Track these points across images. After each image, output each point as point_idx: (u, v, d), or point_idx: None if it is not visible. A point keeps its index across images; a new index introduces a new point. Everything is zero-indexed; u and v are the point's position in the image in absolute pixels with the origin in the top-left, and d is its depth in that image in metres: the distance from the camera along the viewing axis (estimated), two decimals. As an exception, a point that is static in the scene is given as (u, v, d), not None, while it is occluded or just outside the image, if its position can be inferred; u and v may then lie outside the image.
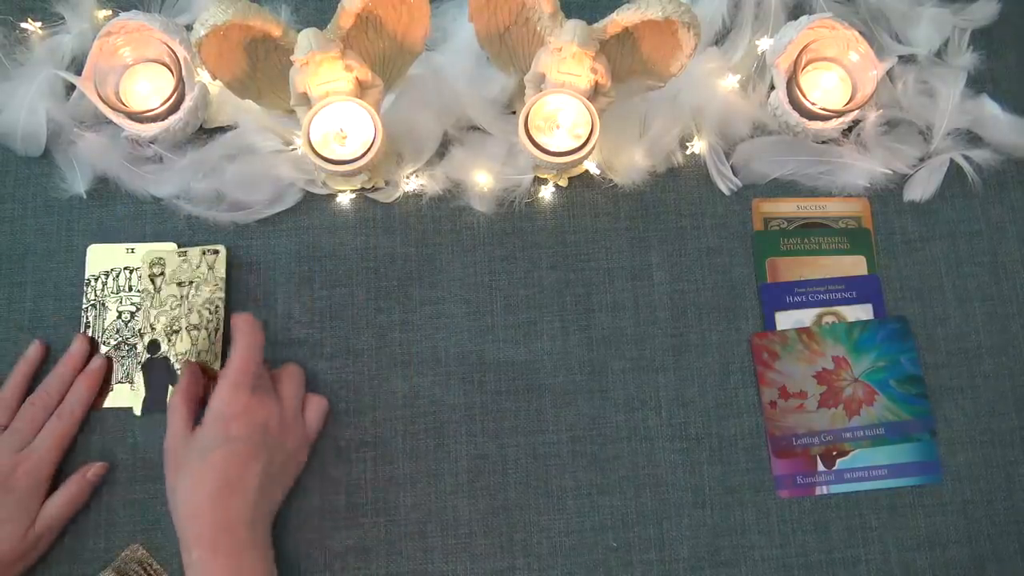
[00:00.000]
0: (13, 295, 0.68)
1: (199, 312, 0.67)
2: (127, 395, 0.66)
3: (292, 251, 0.69)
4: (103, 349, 0.67)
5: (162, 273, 0.67)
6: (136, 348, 0.67)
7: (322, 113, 0.63)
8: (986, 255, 0.71)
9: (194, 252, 0.68)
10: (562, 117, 0.64)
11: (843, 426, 0.67)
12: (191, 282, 0.67)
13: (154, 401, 0.66)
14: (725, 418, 0.68)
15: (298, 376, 0.64)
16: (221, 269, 0.68)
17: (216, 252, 0.68)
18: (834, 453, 0.67)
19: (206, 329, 0.66)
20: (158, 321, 0.67)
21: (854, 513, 0.66)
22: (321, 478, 0.65)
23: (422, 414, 0.67)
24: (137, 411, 0.66)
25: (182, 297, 0.67)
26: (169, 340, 0.66)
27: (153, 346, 0.67)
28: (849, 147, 0.71)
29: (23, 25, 0.70)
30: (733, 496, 0.66)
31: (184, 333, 0.67)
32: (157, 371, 0.66)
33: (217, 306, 0.67)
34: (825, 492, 0.66)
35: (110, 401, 0.66)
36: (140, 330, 0.66)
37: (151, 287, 0.67)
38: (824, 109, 0.68)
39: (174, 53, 0.66)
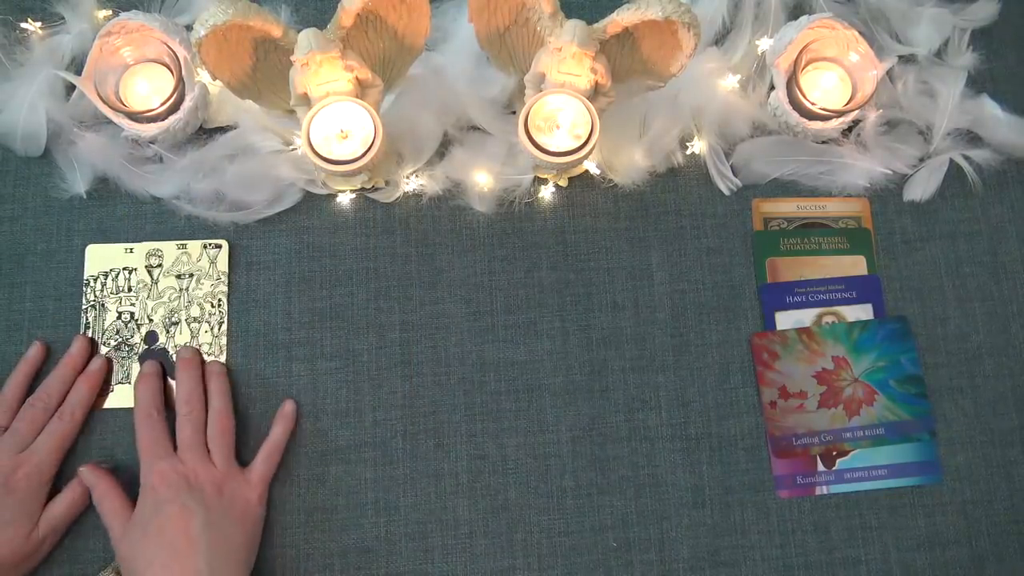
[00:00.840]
0: (13, 295, 0.68)
1: (200, 305, 0.67)
2: (127, 395, 0.66)
3: (292, 251, 0.69)
4: (103, 350, 0.67)
5: (159, 265, 0.68)
6: (133, 340, 0.67)
7: (322, 113, 0.63)
8: (986, 255, 0.71)
9: (194, 245, 0.68)
10: (562, 117, 0.64)
11: (843, 426, 0.67)
12: (191, 275, 0.67)
13: (154, 400, 0.66)
14: (725, 418, 0.68)
15: (221, 427, 0.63)
16: (223, 263, 0.68)
17: (219, 247, 0.68)
18: (834, 453, 0.67)
19: (208, 322, 0.67)
20: (155, 312, 0.67)
21: (854, 513, 0.66)
22: (320, 478, 0.65)
23: (422, 414, 0.67)
24: (137, 411, 0.66)
25: (181, 289, 0.67)
26: (168, 331, 0.66)
27: (151, 337, 0.67)
28: (849, 147, 0.71)
29: (23, 25, 0.70)
30: (733, 496, 0.66)
31: (184, 325, 0.67)
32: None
33: (220, 300, 0.67)
34: (825, 492, 0.66)
35: (110, 402, 0.66)
36: (137, 321, 0.67)
37: (148, 279, 0.67)
38: (824, 109, 0.68)
39: (174, 53, 0.66)
